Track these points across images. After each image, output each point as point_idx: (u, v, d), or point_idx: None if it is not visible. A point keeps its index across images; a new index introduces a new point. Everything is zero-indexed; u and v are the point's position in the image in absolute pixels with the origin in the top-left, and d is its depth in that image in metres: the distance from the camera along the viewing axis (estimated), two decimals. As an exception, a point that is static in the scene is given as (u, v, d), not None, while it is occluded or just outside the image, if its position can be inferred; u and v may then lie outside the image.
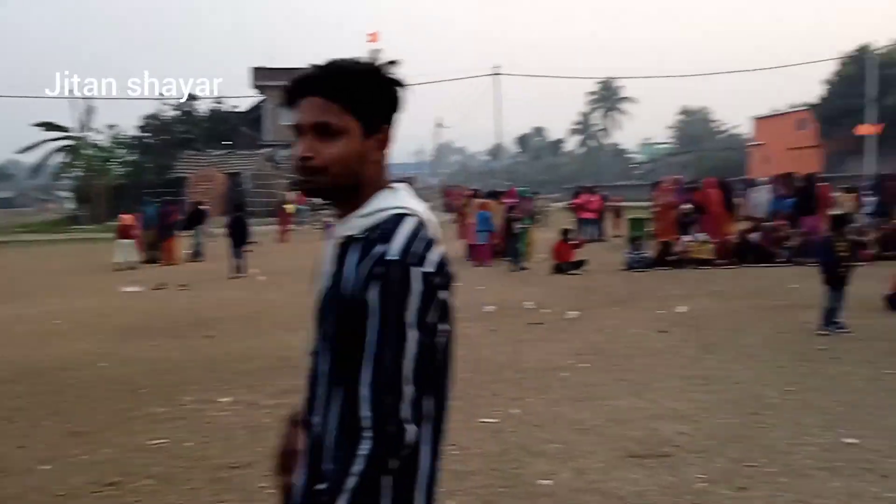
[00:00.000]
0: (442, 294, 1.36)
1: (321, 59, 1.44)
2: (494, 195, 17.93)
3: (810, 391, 5.60)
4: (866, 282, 10.76)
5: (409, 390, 1.30)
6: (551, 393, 5.89)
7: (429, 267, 1.32)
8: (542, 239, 18.56)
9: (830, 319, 7.60)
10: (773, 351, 6.96)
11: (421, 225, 1.38)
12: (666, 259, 14.19)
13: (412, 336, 1.30)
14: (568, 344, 7.65)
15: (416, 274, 1.31)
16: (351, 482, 1.28)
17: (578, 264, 14.13)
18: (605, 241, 20.40)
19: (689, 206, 16.53)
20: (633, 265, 14.10)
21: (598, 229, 21.06)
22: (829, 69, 56.14)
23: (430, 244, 1.36)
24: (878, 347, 6.88)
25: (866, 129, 40.40)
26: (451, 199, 31.74)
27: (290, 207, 30.95)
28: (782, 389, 5.70)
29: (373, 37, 44.31)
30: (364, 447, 1.28)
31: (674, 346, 7.40)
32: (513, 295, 11.26)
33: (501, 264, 15.84)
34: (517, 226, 15.45)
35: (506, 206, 16.77)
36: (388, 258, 1.31)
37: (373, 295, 1.31)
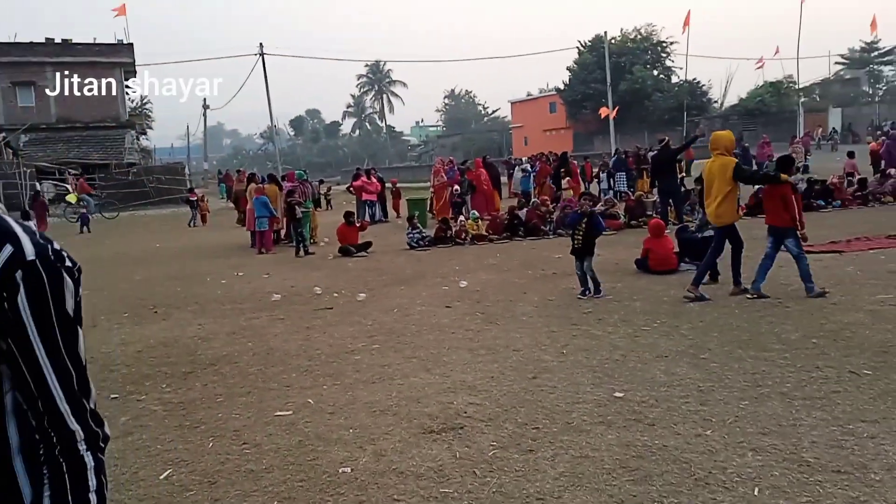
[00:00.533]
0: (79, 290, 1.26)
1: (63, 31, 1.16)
2: (273, 179, 17.25)
3: (581, 352, 6.07)
4: (618, 248, 12.06)
5: (93, 388, 1.27)
6: (344, 378, 5.77)
7: (68, 262, 1.24)
8: (326, 222, 18.31)
9: (587, 285, 8.32)
10: (546, 318, 7.45)
11: (14, 220, 1.25)
12: (445, 237, 14.66)
13: (79, 335, 1.24)
14: (358, 327, 7.57)
15: (61, 271, 1.22)
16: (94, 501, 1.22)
17: (364, 246, 14.11)
18: (388, 222, 20.64)
19: (457, 187, 17.26)
20: (415, 244, 14.38)
21: (379, 210, 21.23)
22: (571, 57, 61.61)
23: (46, 238, 1.24)
24: (633, 307, 7.65)
25: (606, 112, 45.14)
26: (230, 183, 30.18)
27: (71, 197, 28.15)
28: (558, 352, 6.10)
29: (120, 10, 40.41)
30: (88, 462, 1.24)
31: (459, 319, 7.63)
32: (300, 281, 10.94)
33: (286, 250, 15.35)
34: (299, 210, 15.03)
35: (285, 190, 16.24)
36: (28, 259, 1.18)
37: (21, 301, 1.17)
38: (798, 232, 7.52)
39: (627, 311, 7.49)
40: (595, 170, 23.94)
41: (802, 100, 50.55)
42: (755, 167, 24.31)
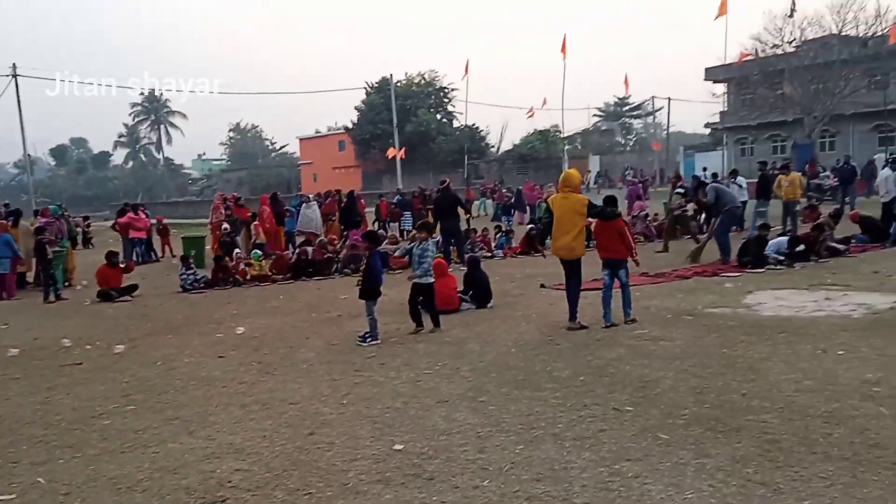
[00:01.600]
0: None
1: None
2: (13, 214, 15.13)
3: (363, 401, 5.80)
4: (404, 288, 12.07)
5: None
6: (88, 448, 4.96)
7: None
8: (85, 263, 16.41)
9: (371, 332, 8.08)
10: (328, 364, 7.11)
11: None
12: (223, 278, 13.76)
13: None
14: (112, 385, 6.67)
15: None
16: None
17: (128, 290, 12.77)
18: (158, 262, 19.02)
19: (226, 225, 16.35)
20: (189, 287, 13.30)
21: (148, 250, 19.52)
22: (359, 96, 62.50)
23: None
24: (416, 350, 7.56)
25: (394, 152, 46.20)
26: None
27: None
28: (338, 403, 5.78)
29: None
30: None
31: (232, 371, 7.03)
32: (47, 331, 9.55)
33: (34, 295, 13.44)
34: (51, 249, 13.27)
35: (35, 227, 14.29)
36: None
37: None
38: (633, 260, 8.43)
39: (411, 353, 7.38)
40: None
41: (567, 147, 55.57)
42: (527, 207, 26.10)
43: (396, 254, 14.61)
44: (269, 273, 14.31)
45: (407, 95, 60.49)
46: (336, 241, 15.78)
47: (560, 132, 57.58)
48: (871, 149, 41.73)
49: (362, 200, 22.22)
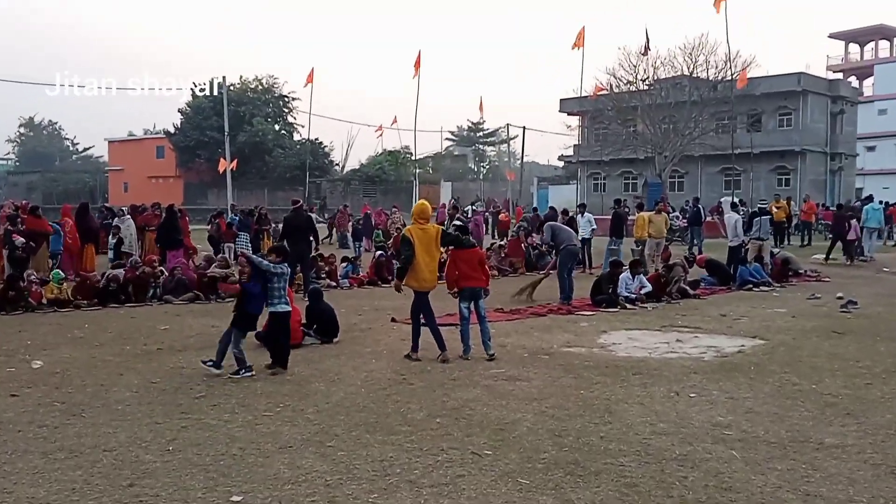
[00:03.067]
0: None
1: None
2: None
3: (192, 447, 5.59)
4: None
5: None
6: None
7: None
8: None
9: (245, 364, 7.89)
10: (149, 405, 6.78)
11: None
12: (13, 299, 12.67)
13: None
14: None
15: None
16: None
17: None
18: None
19: (22, 239, 15.10)
20: (-34, 310, 12.10)
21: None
22: (184, 98, 60.10)
23: None
24: (253, 388, 7.38)
25: (224, 165, 44.48)
26: None
27: None
28: (162, 450, 5.53)
29: None
30: None
31: (30, 412, 6.51)
32: None
33: None
34: None
35: None
36: None
37: None
38: (484, 288, 8.94)
39: (247, 393, 7.21)
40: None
41: (418, 171, 56.70)
42: (376, 233, 26.31)
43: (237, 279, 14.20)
44: (72, 298, 13.35)
45: (241, 101, 59.18)
46: (155, 261, 15.01)
47: (411, 154, 58.74)
48: (719, 191, 46.29)
49: (187, 217, 21.38)
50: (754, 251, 17.48)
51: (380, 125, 56.91)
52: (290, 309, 8.40)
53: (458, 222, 18.33)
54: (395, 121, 59.70)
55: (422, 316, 8.91)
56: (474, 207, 38.00)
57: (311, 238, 14.85)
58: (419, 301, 8.88)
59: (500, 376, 7.93)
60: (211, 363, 7.95)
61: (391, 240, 22.93)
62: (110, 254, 18.42)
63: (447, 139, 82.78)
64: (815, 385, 7.53)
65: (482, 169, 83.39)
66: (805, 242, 28.20)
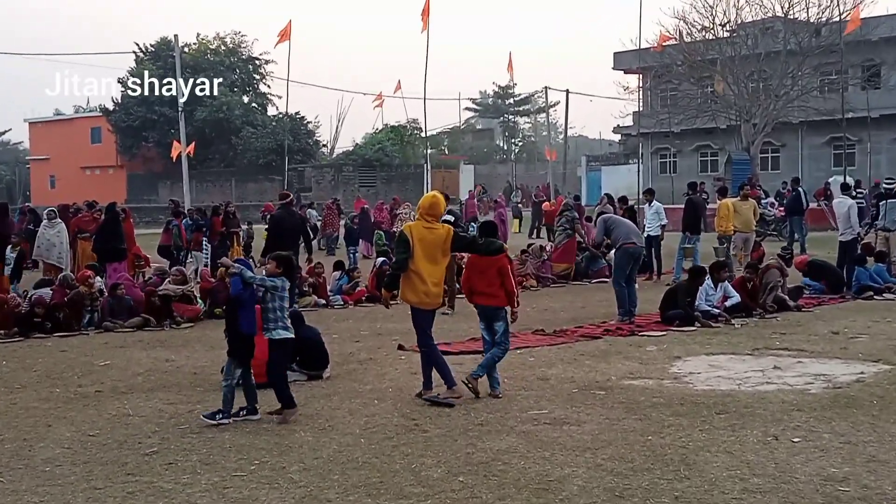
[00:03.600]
0: None
1: None
2: None
3: (142, 519, 5.63)
4: (196, 348, 11.86)
5: None
6: None
7: None
8: None
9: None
10: (86, 465, 6.85)
11: None
12: None
13: None
14: None
15: None
16: None
17: None
18: None
19: None
20: None
21: None
22: (126, 65, 60.72)
23: None
24: (221, 440, 7.42)
25: (179, 149, 44.55)
26: None
27: None
28: (103, 523, 5.58)
29: None
30: None
31: (-70, 477, 6.58)
32: None
33: None
34: None
35: None
36: None
37: None
38: (511, 312, 8.91)
39: (212, 447, 7.25)
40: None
41: (430, 151, 56.87)
42: (378, 234, 26.40)
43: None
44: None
45: (199, 67, 59.66)
46: (90, 277, 15.16)
47: (420, 130, 58.91)
48: (826, 168, 46.02)
49: (132, 219, 21.59)
50: (881, 246, 17.36)
51: (379, 93, 57.09)
52: (292, 335, 8.41)
53: (450, 216, 17.34)
54: (398, 87, 59.76)
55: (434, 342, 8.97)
56: (483, 195, 37.68)
57: (302, 242, 15.02)
58: (417, 322, 8.92)
59: (541, 419, 7.92)
60: (222, 414, 7.99)
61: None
62: (7, 270, 17.57)
63: (467, 109, 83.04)
64: (958, 423, 7.45)
65: (514, 147, 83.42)
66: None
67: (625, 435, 7.35)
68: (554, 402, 8.58)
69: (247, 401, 8.21)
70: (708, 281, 13.65)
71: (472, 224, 28.08)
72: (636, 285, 14.15)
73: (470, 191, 37.64)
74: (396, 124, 62.20)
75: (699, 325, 12.92)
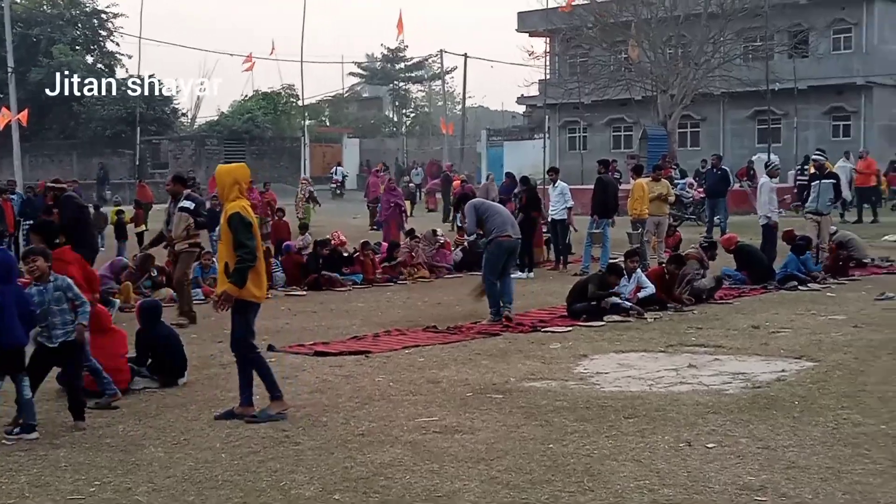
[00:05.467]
0: None
1: None
2: None
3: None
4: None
5: None
6: None
7: None
8: None
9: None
10: None
11: None
12: None
13: None
14: None
15: None
16: None
17: None
18: None
19: None
20: None
21: None
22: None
23: None
24: (55, 457, 7.25)
25: (9, 117, 43.11)
26: None
27: None
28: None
29: None
30: None
31: None
32: None
33: None
34: None
35: None
36: None
37: None
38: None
39: (45, 465, 7.09)
40: None
41: (308, 122, 56.42)
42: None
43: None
44: None
45: (32, 21, 57.77)
46: None
47: (297, 97, 58.31)
48: (751, 145, 47.29)
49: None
50: (810, 231, 17.93)
51: (249, 54, 56.24)
52: (73, 339, 8.22)
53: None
54: (273, 49, 59.07)
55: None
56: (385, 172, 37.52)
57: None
58: (250, 321, 8.63)
59: (430, 427, 7.97)
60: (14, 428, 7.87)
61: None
62: None
63: (352, 75, 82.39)
64: (884, 425, 7.77)
65: (405, 118, 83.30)
66: (861, 218, 29.15)
67: (523, 443, 7.45)
68: (445, 407, 8.63)
69: (23, 417, 8.00)
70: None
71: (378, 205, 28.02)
72: (512, 277, 14.22)
73: (375, 169, 37.14)
74: (269, 91, 61.35)
75: (608, 319, 13.17)
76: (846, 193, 27.65)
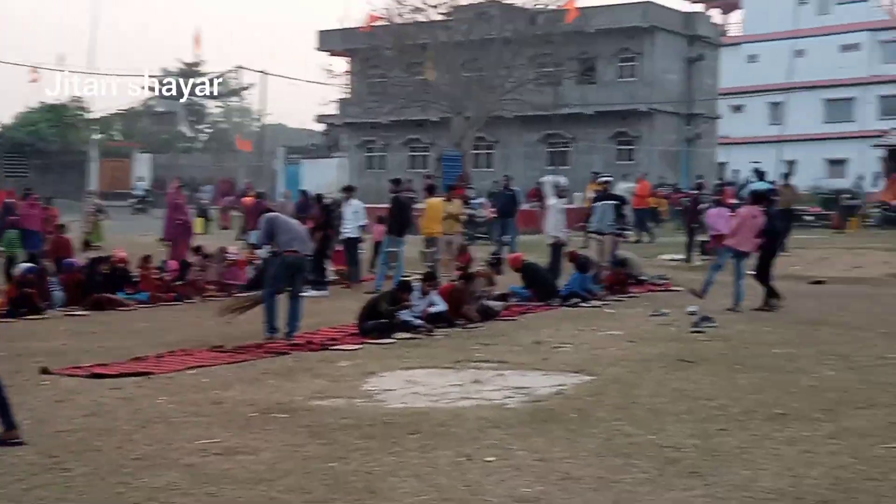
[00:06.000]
0: None
1: None
2: None
3: None
4: None
5: None
6: None
7: None
8: None
9: None
10: None
11: None
12: None
13: None
14: None
15: None
16: None
17: None
18: None
19: None
20: None
21: None
22: None
23: None
24: None
25: None
26: None
27: None
28: None
29: None
30: None
31: None
32: None
33: None
34: None
35: None
36: None
37: None
38: None
39: None
40: None
41: (98, 136, 54.60)
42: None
43: None
44: None
45: None
46: None
47: (86, 110, 56.36)
48: (541, 167, 48.75)
49: None
50: (593, 251, 18.64)
51: (33, 68, 53.83)
52: None
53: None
54: (62, 61, 56.86)
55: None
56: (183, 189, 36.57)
57: None
58: None
59: (211, 449, 7.78)
60: None
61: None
62: None
63: (144, 88, 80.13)
64: (654, 435, 8.09)
65: (201, 134, 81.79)
66: (641, 238, 30.58)
67: (306, 462, 7.37)
68: (228, 428, 8.45)
69: None
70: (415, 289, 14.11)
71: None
72: (303, 296, 14.14)
73: (173, 185, 35.88)
74: (56, 103, 58.98)
75: (398, 336, 13.25)
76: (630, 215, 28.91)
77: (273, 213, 14.61)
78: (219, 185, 48.65)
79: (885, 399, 9.48)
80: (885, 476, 6.90)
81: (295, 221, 14.94)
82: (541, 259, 19.22)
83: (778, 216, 17.54)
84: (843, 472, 7.03)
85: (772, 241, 16.58)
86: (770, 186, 25.73)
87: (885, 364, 11.41)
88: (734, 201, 26.80)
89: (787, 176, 27.76)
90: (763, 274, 16.23)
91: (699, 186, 30.50)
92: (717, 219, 21.92)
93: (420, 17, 44.09)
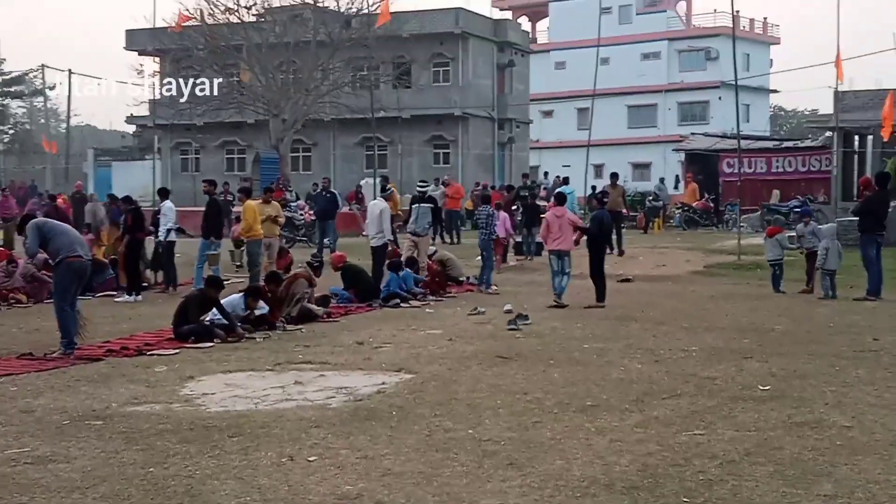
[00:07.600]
0: None
1: None
2: None
3: None
4: None
5: None
6: None
7: None
8: None
9: None
10: None
11: None
12: None
13: None
14: None
15: None
16: None
17: None
18: None
19: None
20: None
21: None
22: None
23: None
24: None
25: None
26: None
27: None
28: None
29: None
30: None
31: None
32: None
33: None
34: None
35: None
36: None
37: None
38: None
39: None
40: None
41: None
42: None
43: None
44: None
45: None
46: None
47: None
48: (359, 170, 48.85)
49: None
50: (408, 251, 18.91)
51: None
52: None
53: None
54: None
55: None
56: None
57: None
58: None
59: (21, 458, 7.50)
60: None
61: None
62: None
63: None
64: (472, 429, 8.26)
65: (3, 135, 78.44)
66: (454, 240, 31.10)
67: (122, 469, 7.19)
68: (39, 437, 8.16)
69: None
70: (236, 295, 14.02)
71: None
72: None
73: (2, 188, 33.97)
74: None
75: (218, 340, 13.08)
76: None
77: (41, 219, 13.58)
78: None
79: (687, 389, 9.93)
80: (688, 461, 7.24)
81: (66, 225, 14.04)
82: (361, 261, 19.26)
83: (607, 217, 18.13)
84: (650, 458, 7.35)
85: (600, 240, 17.27)
86: (572, 190, 26.94)
87: (687, 356, 11.94)
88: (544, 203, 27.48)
89: (615, 177, 28.66)
90: (597, 273, 16.86)
91: (511, 188, 31.43)
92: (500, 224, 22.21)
93: (232, 18, 43.43)
